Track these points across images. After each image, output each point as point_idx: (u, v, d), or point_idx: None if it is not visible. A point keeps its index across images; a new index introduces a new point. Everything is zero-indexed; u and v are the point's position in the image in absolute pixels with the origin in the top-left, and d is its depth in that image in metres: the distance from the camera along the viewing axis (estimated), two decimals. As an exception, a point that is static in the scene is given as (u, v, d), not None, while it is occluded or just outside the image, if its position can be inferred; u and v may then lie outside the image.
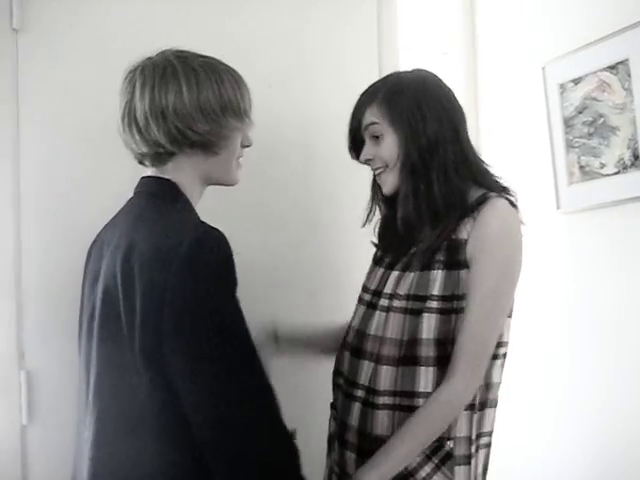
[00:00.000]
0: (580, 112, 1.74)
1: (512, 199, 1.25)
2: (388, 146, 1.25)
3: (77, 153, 1.57)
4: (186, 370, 0.97)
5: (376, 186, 1.34)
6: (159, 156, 1.12)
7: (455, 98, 1.29)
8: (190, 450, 0.99)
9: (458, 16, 2.18)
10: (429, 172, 1.22)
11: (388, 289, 1.27)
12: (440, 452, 1.20)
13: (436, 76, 1.30)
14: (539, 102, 1.86)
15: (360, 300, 1.35)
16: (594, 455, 1.76)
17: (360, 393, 1.26)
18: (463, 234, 1.20)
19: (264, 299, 1.59)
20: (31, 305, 1.53)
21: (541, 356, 1.92)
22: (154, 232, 1.04)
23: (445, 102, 1.26)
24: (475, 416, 1.24)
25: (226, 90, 1.12)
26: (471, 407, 1.24)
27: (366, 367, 1.26)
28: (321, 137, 1.73)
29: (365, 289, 1.35)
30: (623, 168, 1.64)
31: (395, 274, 1.28)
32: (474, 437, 1.24)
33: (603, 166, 1.69)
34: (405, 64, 2.06)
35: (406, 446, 1.19)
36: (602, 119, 1.68)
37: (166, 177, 1.13)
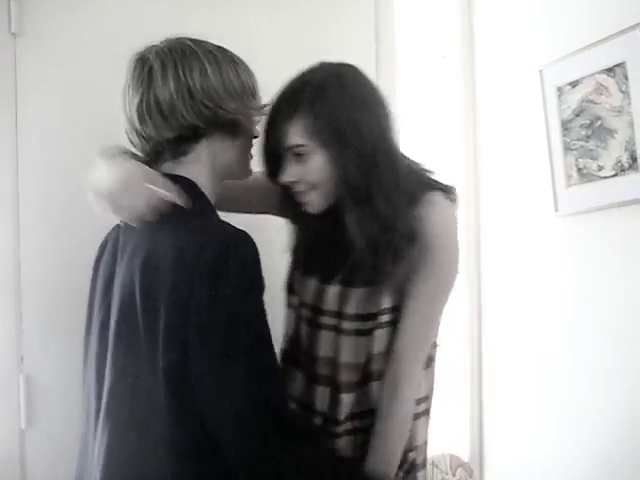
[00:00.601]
0: (577, 115, 1.75)
1: (449, 193, 1.16)
2: (317, 167, 1.09)
3: (76, 155, 1.57)
4: (215, 385, 0.94)
5: (291, 202, 1.18)
6: (182, 144, 1.07)
7: (378, 94, 1.15)
8: (208, 466, 0.97)
9: (456, 19, 2.18)
10: (370, 191, 1.08)
11: (331, 306, 1.17)
12: (405, 464, 1.17)
13: (358, 71, 1.16)
14: (536, 105, 1.86)
15: (299, 316, 1.24)
16: (594, 457, 1.76)
17: (318, 420, 1.19)
18: None
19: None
20: (30, 309, 1.54)
21: (540, 359, 1.92)
22: (176, 236, 0.99)
23: (373, 104, 1.12)
24: (428, 420, 1.23)
25: (243, 72, 1.11)
26: (427, 412, 1.23)
27: (321, 393, 1.19)
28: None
29: (302, 303, 1.23)
30: (621, 170, 1.64)
31: (335, 289, 1.16)
32: (427, 441, 1.23)
33: (601, 168, 1.69)
34: (402, 67, 2.06)
35: (391, 467, 1.15)
36: (599, 122, 1.69)
37: (183, 175, 1.08)
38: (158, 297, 0.96)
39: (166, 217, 1.02)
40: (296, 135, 1.08)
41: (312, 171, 1.10)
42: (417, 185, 1.14)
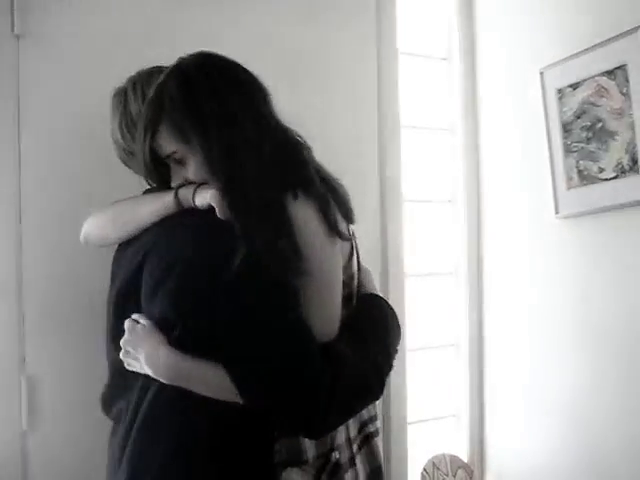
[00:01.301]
0: (578, 117, 1.75)
1: (307, 190, 1.07)
2: (194, 169, 1.08)
3: (78, 157, 1.57)
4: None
5: None
6: None
7: (243, 83, 1.11)
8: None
9: (457, 22, 2.19)
10: (234, 194, 1.03)
11: None
12: (328, 467, 1.10)
13: (209, 65, 1.10)
14: (537, 107, 1.87)
15: None
16: (595, 458, 1.76)
17: None
18: None
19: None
20: (32, 310, 1.54)
21: (541, 360, 1.92)
22: (196, 235, 1.04)
23: (232, 102, 1.07)
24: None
25: None
26: None
27: None
28: (320, 143, 1.73)
29: None
30: (621, 172, 1.64)
31: None
32: (353, 436, 1.15)
33: (601, 170, 1.70)
34: (404, 69, 2.07)
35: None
36: (600, 124, 1.69)
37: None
38: (182, 302, 1.01)
39: (176, 218, 1.08)
40: (165, 144, 1.08)
41: (192, 173, 1.09)
42: (281, 186, 1.06)
